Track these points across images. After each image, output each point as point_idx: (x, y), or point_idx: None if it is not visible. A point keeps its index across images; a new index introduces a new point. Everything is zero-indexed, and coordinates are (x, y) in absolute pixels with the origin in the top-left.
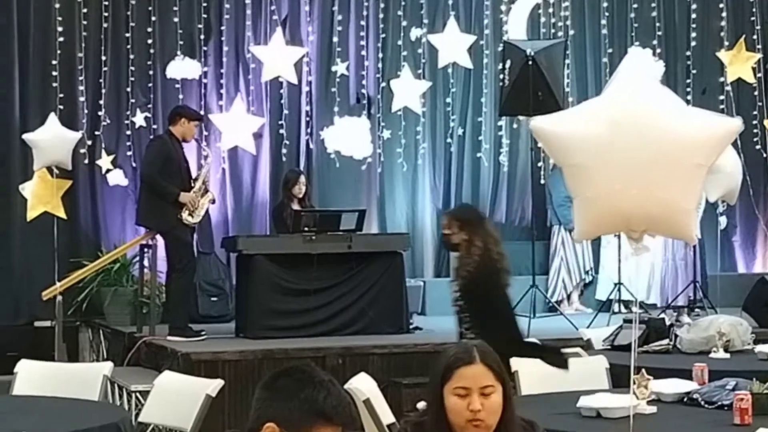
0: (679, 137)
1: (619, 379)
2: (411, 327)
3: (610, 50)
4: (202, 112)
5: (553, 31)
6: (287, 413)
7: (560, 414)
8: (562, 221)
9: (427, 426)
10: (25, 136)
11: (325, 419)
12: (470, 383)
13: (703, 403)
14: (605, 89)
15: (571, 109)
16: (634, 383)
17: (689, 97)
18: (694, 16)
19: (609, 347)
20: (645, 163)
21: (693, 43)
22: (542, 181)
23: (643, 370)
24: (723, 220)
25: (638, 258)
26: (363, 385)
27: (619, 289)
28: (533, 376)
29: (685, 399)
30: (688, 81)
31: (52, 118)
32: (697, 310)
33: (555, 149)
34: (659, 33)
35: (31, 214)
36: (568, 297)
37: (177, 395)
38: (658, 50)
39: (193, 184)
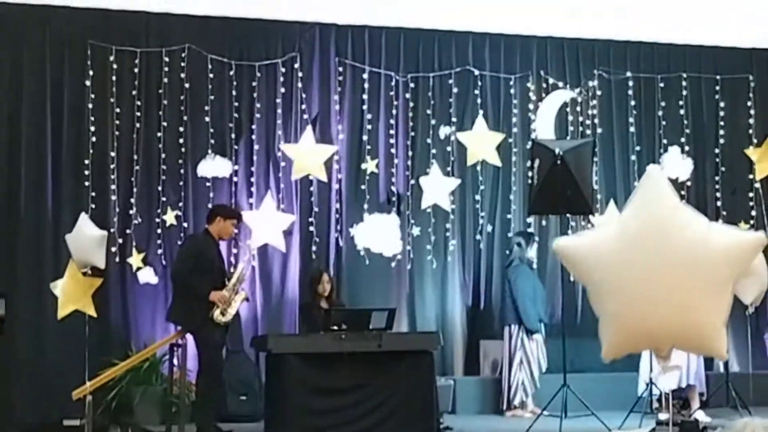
0: (700, 254)
1: None
2: (441, 427)
3: (638, 148)
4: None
5: (581, 129)
6: None
7: None
8: (523, 319)
9: None
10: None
11: None
12: None
13: None
14: (627, 203)
15: (592, 228)
16: None
17: (718, 194)
18: (722, 113)
19: None
20: (666, 280)
21: (721, 141)
22: (572, 278)
23: None
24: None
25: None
26: None
27: (650, 389)
28: None
29: None
30: (717, 178)
31: (83, 218)
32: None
33: (577, 268)
34: (687, 131)
35: (62, 312)
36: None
37: None
38: (687, 148)
39: (227, 283)
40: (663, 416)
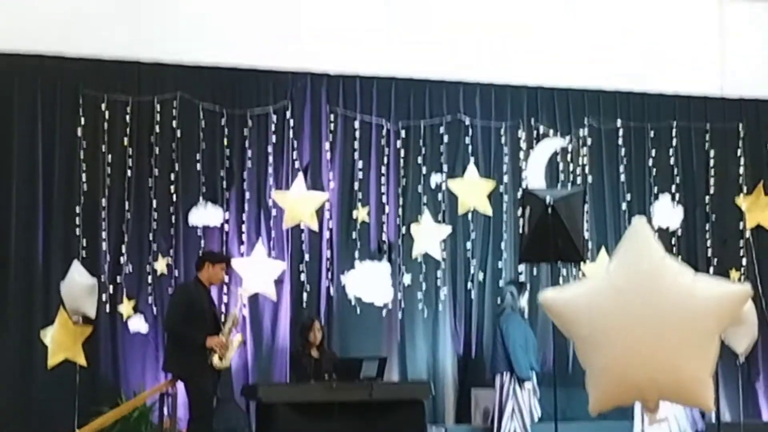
0: (686, 306)
1: None
2: None
3: (628, 196)
4: None
5: (571, 178)
6: None
7: None
8: (514, 367)
9: None
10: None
11: None
12: None
13: None
14: (613, 256)
15: (580, 279)
16: None
17: (709, 243)
18: (712, 162)
19: None
20: (652, 333)
21: (711, 190)
22: None
23: None
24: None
25: None
26: None
27: None
28: None
29: None
30: (708, 227)
31: (76, 265)
32: None
33: (563, 322)
34: (678, 180)
35: (53, 361)
36: None
37: None
38: (677, 196)
39: (222, 327)
40: None
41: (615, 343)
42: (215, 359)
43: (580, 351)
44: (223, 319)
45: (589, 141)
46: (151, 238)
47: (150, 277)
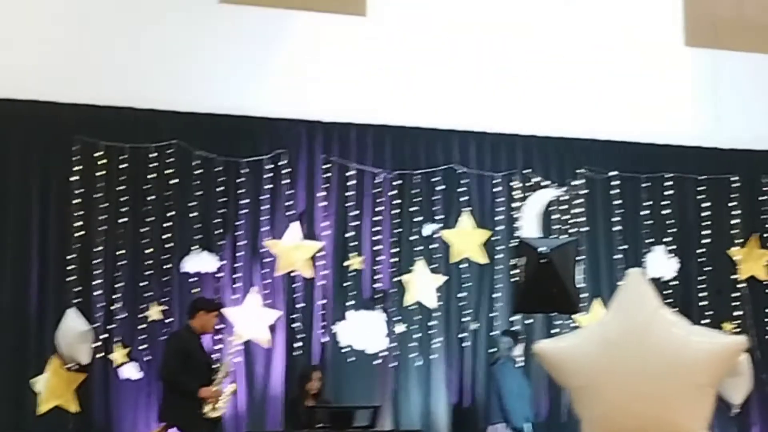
0: (680, 358)
1: None
2: None
3: (623, 247)
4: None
5: (566, 227)
6: None
7: None
8: (509, 417)
9: None
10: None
11: None
12: None
13: None
14: (608, 306)
15: (572, 332)
16: None
17: (702, 294)
18: (706, 214)
19: None
20: (645, 385)
21: (706, 240)
22: None
23: None
24: None
25: None
26: None
27: None
28: None
29: None
30: (702, 278)
31: (71, 312)
32: None
33: (558, 372)
34: (672, 230)
35: (44, 407)
36: None
37: None
38: (672, 247)
39: (214, 377)
40: None
41: (609, 394)
42: (208, 409)
43: (575, 400)
44: (215, 367)
45: (583, 191)
46: (144, 285)
47: (143, 324)
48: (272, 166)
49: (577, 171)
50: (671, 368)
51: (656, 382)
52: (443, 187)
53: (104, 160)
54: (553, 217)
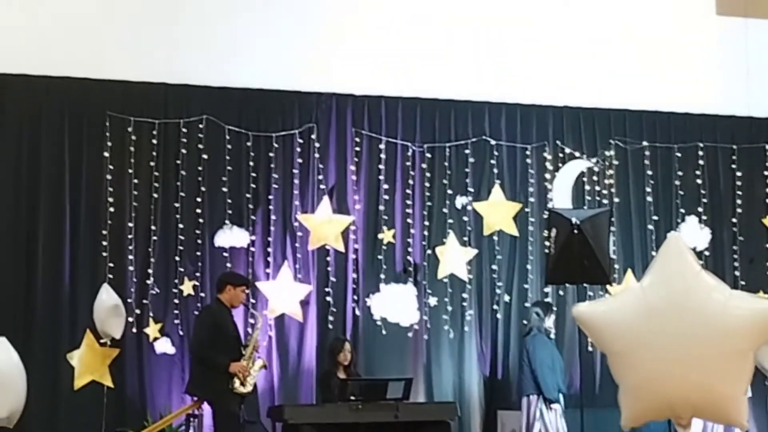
0: (720, 324)
1: None
2: None
3: (655, 218)
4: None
5: (598, 199)
6: None
7: None
8: (542, 388)
9: None
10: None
11: None
12: None
13: None
14: (647, 271)
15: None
16: None
17: (736, 264)
18: (738, 183)
19: None
20: (686, 350)
21: (738, 210)
22: (590, 348)
23: None
24: None
25: None
26: None
27: None
28: None
29: None
30: (735, 248)
31: (105, 287)
32: None
33: (596, 336)
34: (704, 200)
35: (79, 382)
36: None
37: None
38: (704, 217)
39: (243, 351)
40: None
41: (648, 360)
42: (237, 384)
43: (613, 366)
44: (245, 342)
45: (615, 162)
46: (177, 260)
47: (176, 299)
48: (303, 140)
49: (609, 142)
50: (711, 334)
51: (696, 348)
52: (474, 159)
53: (135, 137)
54: (585, 188)
